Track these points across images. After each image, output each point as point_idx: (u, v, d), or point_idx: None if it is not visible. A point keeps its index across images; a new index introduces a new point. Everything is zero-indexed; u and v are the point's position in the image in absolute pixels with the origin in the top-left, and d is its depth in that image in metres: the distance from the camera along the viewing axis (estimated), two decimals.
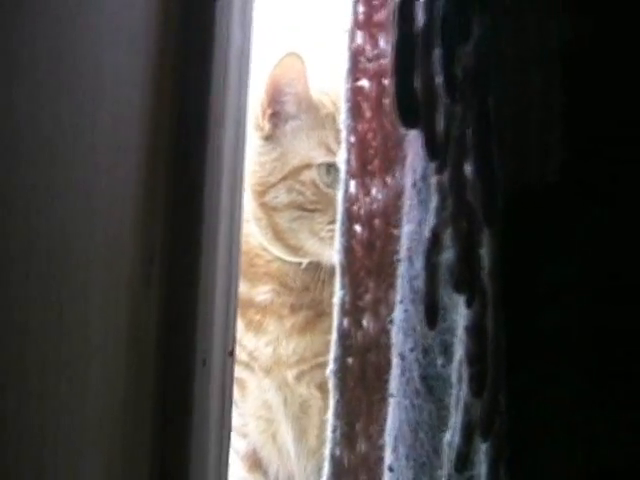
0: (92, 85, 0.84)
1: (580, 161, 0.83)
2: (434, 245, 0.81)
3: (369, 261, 1.09)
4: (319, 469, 1.59)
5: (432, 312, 0.81)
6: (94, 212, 0.87)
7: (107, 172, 0.88)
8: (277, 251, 1.54)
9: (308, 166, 1.50)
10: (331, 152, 1.51)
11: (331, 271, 1.52)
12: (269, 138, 1.55)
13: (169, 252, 0.99)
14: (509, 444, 0.84)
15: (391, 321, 1.03)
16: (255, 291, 1.57)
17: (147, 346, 0.98)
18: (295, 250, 1.53)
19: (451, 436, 0.86)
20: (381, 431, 1.14)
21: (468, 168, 0.80)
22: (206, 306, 1.03)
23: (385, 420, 1.14)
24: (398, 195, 1.08)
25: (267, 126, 1.55)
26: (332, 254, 1.49)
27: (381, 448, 1.13)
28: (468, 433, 0.84)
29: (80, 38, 0.82)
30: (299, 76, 1.51)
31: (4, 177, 0.72)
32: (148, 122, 0.95)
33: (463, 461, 0.85)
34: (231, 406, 1.10)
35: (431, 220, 0.81)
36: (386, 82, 1.04)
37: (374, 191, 1.07)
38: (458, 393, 0.86)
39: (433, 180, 0.81)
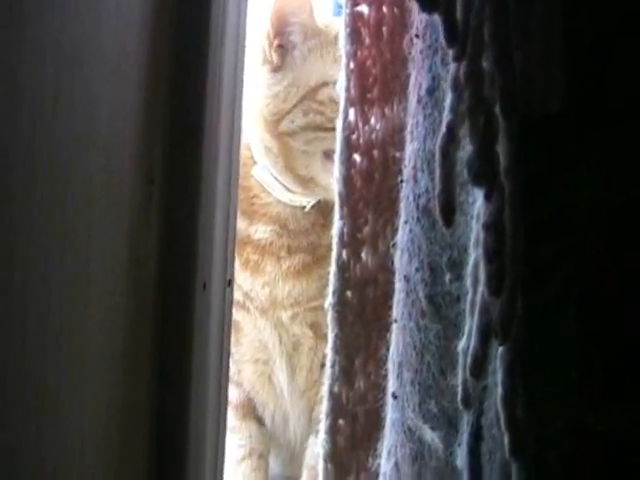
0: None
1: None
2: (450, 141, 0.77)
3: (368, 192, 1.05)
4: (309, 409, 1.55)
5: (448, 209, 0.77)
6: (95, 134, 0.82)
7: (108, 97, 0.84)
8: (287, 182, 1.49)
9: (325, 84, 1.46)
10: None
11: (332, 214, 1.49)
12: (279, 69, 1.50)
13: (169, 172, 0.95)
14: (525, 349, 0.80)
15: (394, 245, 0.99)
16: (253, 228, 1.52)
17: (148, 266, 0.94)
18: (305, 182, 1.49)
19: (466, 341, 0.82)
20: (379, 369, 1.10)
21: (484, 63, 0.76)
22: (206, 230, 0.98)
23: (383, 359, 1.10)
24: (396, 128, 1.04)
25: (275, 57, 1.50)
26: None
27: (379, 386, 1.09)
28: (485, 335, 0.80)
29: None
30: (303, 3, 1.47)
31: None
32: (148, 35, 0.90)
33: (480, 365, 0.80)
34: (230, 334, 1.05)
35: (447, 116, 0.77)
36: (385, 9, 1.00)
37: (373, 120, 1.03)
38: (473, 297, 0.82)
39: (449, 76, 0.77)
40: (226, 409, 1.02)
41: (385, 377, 1.07)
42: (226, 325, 1.01)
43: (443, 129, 0.77)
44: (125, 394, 0.91)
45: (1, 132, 0.67)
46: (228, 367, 1.02)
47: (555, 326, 0.81)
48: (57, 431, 0.78)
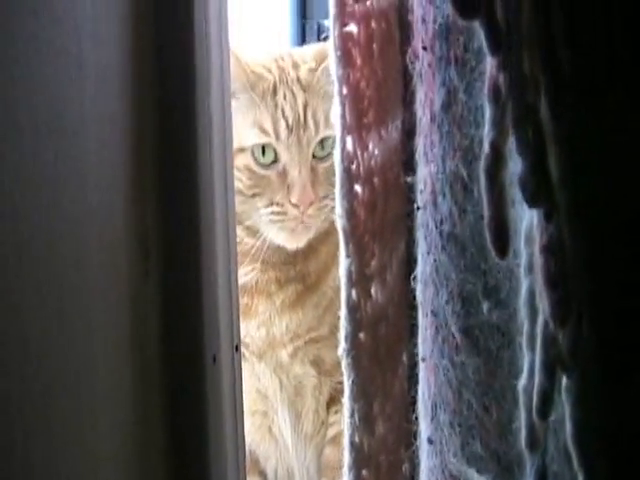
0: None
1: None
2: (495, 160, 0.66)
3: (372, 223, 0.93)
4: (317, 456, 1.42)
5: (503, 237, 0.66)
6: (86, 213, 0.71)
7: (96, 167, 0.73)
8: (242, 234, 1.36)
9: (242, 150, 1.32)
10: (265, 132, 1.33)
11: (309, 243, 1.37)
12: None
13: (165, 242, 0.82)
14: (597, 376, 0.69)
15: (414, 278, 0.87)
16: None
17: (151, 346, 0.82)
18: (254, 232, 1.36)
19: (528, 379, 0.71)
20: (398, 408, 0.99)
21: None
22: (210, 300, 0.86)
23: (399, 398, 0.99)
24: (393, 149, 0.94)
25: None
26: (280, 236, 1.34)
27: (398, 429, 0.98)
28: (552, 370, 0.69)
29: None
30: (234, 60, 1.33)
31: None
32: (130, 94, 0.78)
33: (548, 403, 0.69)
34: (242, 401, 0.92)
35: (489, 132, 0.66)
36: (374, 24, 0.89)
37: (371, 146, 0.92)
38: (531, 329, 0.71)
39: (486, 87, 0.67)
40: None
41: (404, 417, 0.96)
42: (237, 392, 0.89)
43: (486, 148, 0.66)
44: (138, 475, 0.78)
45: None
46: (244, 439, 0.90)
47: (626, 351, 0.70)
48: None
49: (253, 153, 1.33)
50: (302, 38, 1.92)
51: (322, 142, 1.33)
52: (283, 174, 1.32)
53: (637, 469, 0.72)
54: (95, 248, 0.73)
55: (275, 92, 1.33)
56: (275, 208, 1.32)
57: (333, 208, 1.29)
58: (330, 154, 1.32)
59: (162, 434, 0.82)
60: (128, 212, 0.78)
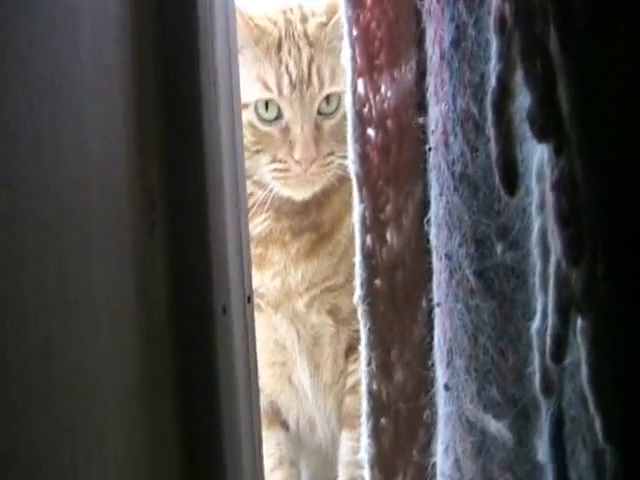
0: None
1: None
2: (503, 94, 0.63)
3: (386, 167, 0.91)
4: (338, 405, 1.41)
5: (512, 173, 0.63)
6: (87, 165, 0.69)
7: (95, 117, 0.71)
8: (251, 188, 1.34)
9: (245, 105, 1.29)
10: (268, 88, 1.31)
11: (323, 192, 1.35)
12: None
13: (171, 193, 0.81)
14: (612, 317, 0.67)
15: (428, 221, 0.85)
16: (250, 225, 1.37)
17: (159, 298, 0.80)
18: (261, 186, 1.34)
19: (541, 322, 0.69)
20: (416, 356, 0.97)
21: None
22: (219, 249, 0.84)
23: (418, 344, 0.97)
24: (407, 90, 0.91)
25: None
26: (286, 190, 1.32)
27: (418, 375, 0.96)
28: (565, 312, 0.66)
29: None
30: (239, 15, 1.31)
31: None
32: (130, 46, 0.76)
33: (563, 346, 0.67)
34: (255, 354, 0.91)
35: (495, 65, 0.63)
36: None
37: (383, 88, 0.89)
38: (544, 270, 0.68)
39: (491, 19, 0.63)
40: (260, 436, 0.89)
41: (423, 364, 0.94)
42: (250, 344, 0.87)
43: (493, 82, 0.63)
44: (148, 432, 0.77)
45: None
46: (258, 393, 0.89)
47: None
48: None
49: (256, 109, 1.31)
50: None
51: (328, 98, 1.31)
52: (286, 130, 1.30)
53: None
54: (96, 198, 0.71)
55: (280, 47, 1.31)
56: (278, 165, 1.30)
57: (339, 164, 1.28)
58: (337, 110, 1.30)
59: (172, 390, 0.81)
60: (132, 162, 0.76)
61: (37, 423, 0.60)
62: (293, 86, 1.28)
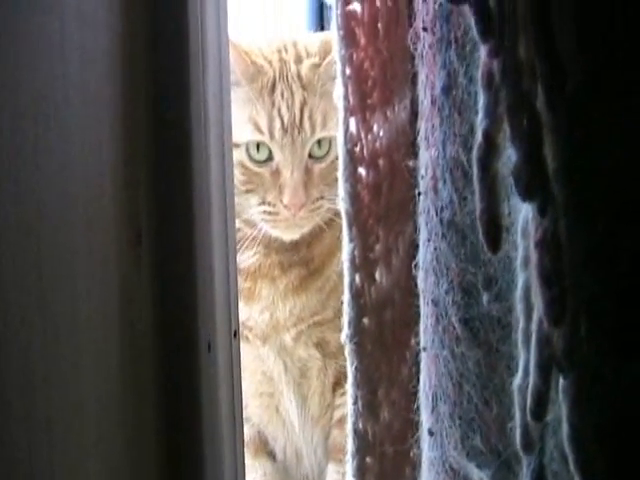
0: None
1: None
2: (488, 150, 0.62)
3: (377, 206, 0.90)
4: (324, 438, 1.40)
5: (495, 230, 0.62)
6: (72, 195, 0.69)
7: (80, 149, 0.70)
8: (240, 225, 1.33)
9: (236, 145, 1.27)
10: (260, 130, 1.30)
11: (311, 233, 1.34)
12: None
13: (158, 229, 0.80)
14: (594, 377, 0.65)
15: (415, 265, 0.84)
16: (239, 259, 1.36)
17: (144, 333, 0.79)
18: (251, 224, 1.33)
19: (523, 378, 0.68)
20: (403, 395, 0.95)
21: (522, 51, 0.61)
22: (205, 284, 0.83)
23: (406, 384, 0.95)
24: (400, 130, 0.90)
25: None
26: (275, 232, 1.32)
27: (404, 416, 0.95)
28: (546, 370, 0.65)
29: None
30: (233, 52, 1.29)
31: None
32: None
33: (543, 404, 0.66)
34: (241, 391, 0.90)
35: (482, 121, 0.62)
36: (378, 2, 0.85)
37: (375, 127, 0.88)
38: (527, 326, 0.67)
39: (479, 74, 0.62)
40: (244, 470, 0.87)
41: (410, 404, 0.92)
42: (236, 382, 0.86)
43: (479, 137, 0.62)
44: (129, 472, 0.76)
45: None
46: (242, 432, 0.87)
47: (624, 352, 0.66)
48: None
49: (248, 149, 1.30)
50: (320, 14, 1.86)
51: (320, 142, 1.30)
52: (276, 173, 1.29)
53: (634, 471, 0.68)
54: (82, 232, 0.70)
55: (273, 89, 1.30)
56: (267, 207, 1.29)
57: (329, 208, 1.27)
58: (328, 154, 1.29)
59: (155, 432, 0.80)
60: (118, 195, 0.76)
61: (15, 428, 0.60)
62: (285, 130, 1.27)
